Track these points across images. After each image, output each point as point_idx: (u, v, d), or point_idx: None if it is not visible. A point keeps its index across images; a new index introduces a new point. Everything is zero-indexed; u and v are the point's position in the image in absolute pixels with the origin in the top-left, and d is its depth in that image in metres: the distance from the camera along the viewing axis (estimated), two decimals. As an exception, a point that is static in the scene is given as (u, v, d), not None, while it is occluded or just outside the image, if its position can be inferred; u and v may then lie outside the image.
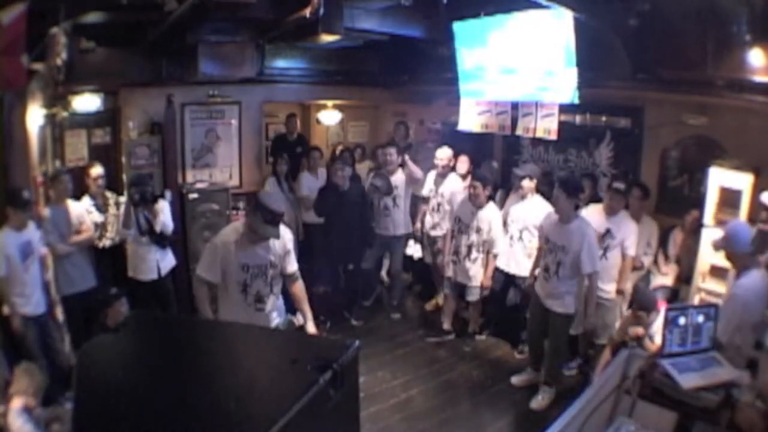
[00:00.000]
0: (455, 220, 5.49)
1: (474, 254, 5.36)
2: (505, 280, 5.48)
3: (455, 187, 5.99)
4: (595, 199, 5.34)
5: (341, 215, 5.71)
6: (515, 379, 5.00)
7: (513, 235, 5.31)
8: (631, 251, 4.62)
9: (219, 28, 5.46)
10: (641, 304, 3.92)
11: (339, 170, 5.87)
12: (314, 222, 6.30)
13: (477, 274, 5.42)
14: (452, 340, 5.77)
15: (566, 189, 4.37)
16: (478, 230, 5.30)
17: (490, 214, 5.29)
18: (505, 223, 5.39)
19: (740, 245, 3.35)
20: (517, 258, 5.32)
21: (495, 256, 5.33)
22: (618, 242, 4.60)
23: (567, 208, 4.37)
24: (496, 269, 5.44)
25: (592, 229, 4.43)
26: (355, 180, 6.54)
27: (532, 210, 5.16)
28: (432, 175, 6.21)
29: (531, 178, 5.24)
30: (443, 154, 6.05)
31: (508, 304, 5.56)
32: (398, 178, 6.09)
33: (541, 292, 4.64)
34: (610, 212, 4.66)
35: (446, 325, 5.87)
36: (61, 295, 4.67)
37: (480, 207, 5.28)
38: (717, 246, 3.52)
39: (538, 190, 5.28)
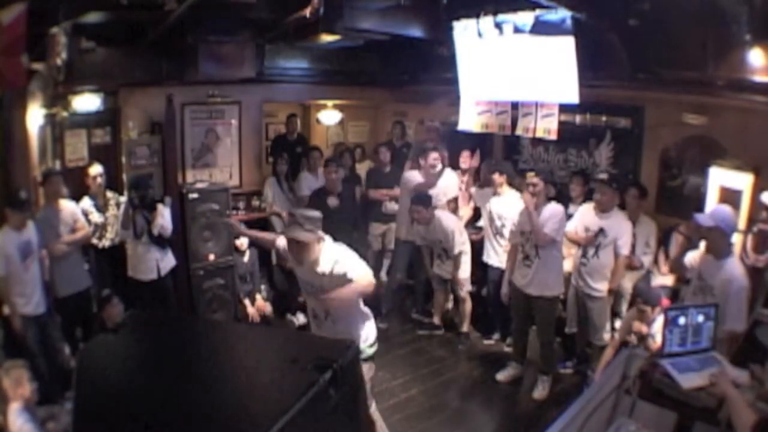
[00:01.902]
0: (421, 239, 5.65)
1: (447, 260, 5.54)
2: (498, 276, 5.47)
3: (448, 181, 5.99)
4: (592, 197, 5.35)
5: (332, 221, 5.60)
6: (500, 376, 5.04)
7: (496, 230, 5.36)
8: (625, 250, 4.57)
9: (219, 28, 5.44)
10: (645, 298, 3.92)
11: (332, 172, 5.73)
12: None
13: (465, 262, 5.51)
14: (444, 335, 5.85)
15: (544, 178, 4.76)
16: (440, 241, 5.44)
17: (438, 226, 5.36)
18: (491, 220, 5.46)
19: (730, 226, 3.42)
20: (500, 252, 5.38)
21: (460, 254, 5.40)
22: (610, 241, 4.57)
23: (544, 194, 4.66)
24: (487, 266, 5.53)
25: (558, 206, 4.64)
26: (352, 181, 6.52)
27: (508, 204, 5.20)
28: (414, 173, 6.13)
29: (501, 172, 5.31)
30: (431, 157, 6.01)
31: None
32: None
33: (522, 282, 4.73)
34: (601, 208, 4.63)
35: (436, 320, 6.00)
36: (59, 295, 4.65)
37: (428, 224, 5.36)
38: (706, 225, 3.43)
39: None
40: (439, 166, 5.89)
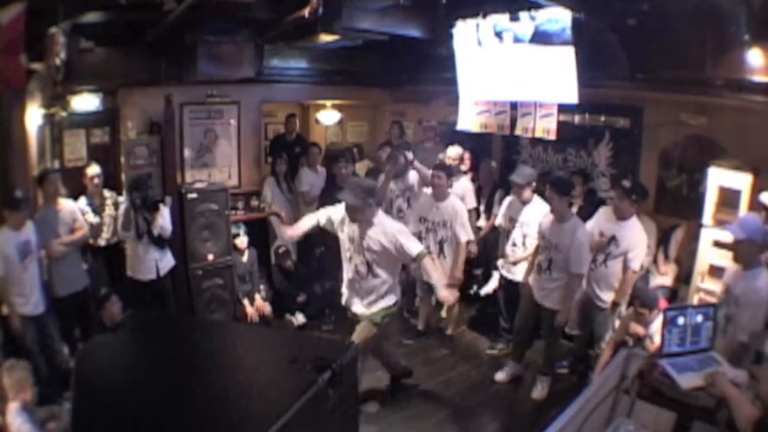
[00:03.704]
0: (420, 220, 5.30)
1: (447, 250, 5.24)
2: (508, 288, 5.32)
3: (466, 185, 5.87)
4: (591, 197, 5.34)
5: None
6: (499, 375, 5.01)
7: (515, 241, 5.10)
8: (635, 264, 4.39)
9: (218, 28, 5.45)
10: (643, 300, 3.91)
11: (342, 168, 6.01)
12: None
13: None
14: (439, 337, 5.75)
15: (558, 189, 4.43)
16: (445, 224, 5.17)
17: (452, 204, 5.18)
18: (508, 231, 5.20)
19: (758, 235, 3.29)
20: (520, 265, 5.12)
21: (467, 244, 5.24)
22: (621, 252, 4.41)
23: (561, 207, 4.44)
24: (501, 277, 5.38)
25: (585, 231, 4.43)
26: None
27: (534, 214, 4.91)
28: None
29: (530, 184, 4.99)
30: (453, 152, 5.89)
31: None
32: (411, 178, 5.90)
33: (533, 285, 4.69)
34: (619, 215, 4.46)
35: (420, 326, 5.80)
36: (58, 295, 4.64)
37: (442, 200, 5.19)
38: (738, 237, 3.32)
39: (537, 191, 5.08)
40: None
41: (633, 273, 4.45)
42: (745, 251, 3.32)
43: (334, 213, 4.17)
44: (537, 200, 4.95)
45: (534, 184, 4.98)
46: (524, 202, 5.00)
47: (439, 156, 6.02)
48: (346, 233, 4.10)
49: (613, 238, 4.45)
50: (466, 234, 5.18)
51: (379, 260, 3.98)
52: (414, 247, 3.94)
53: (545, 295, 4.57)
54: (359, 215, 3.95)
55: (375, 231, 3.95)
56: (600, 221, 4.61)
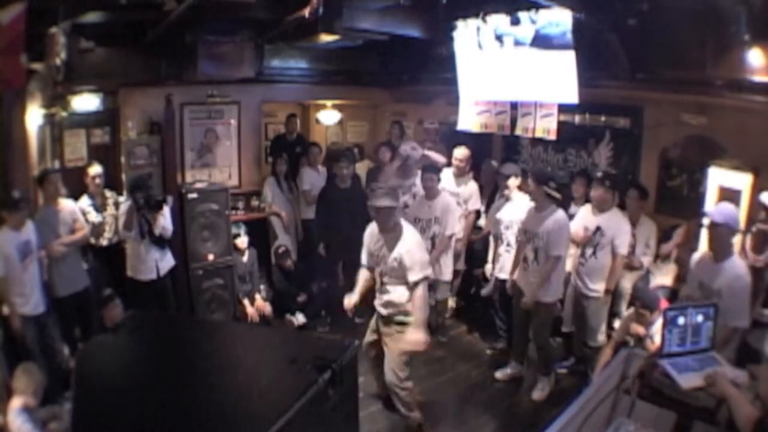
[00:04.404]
0: (414, 221, 5.27)
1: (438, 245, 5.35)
2: (502, 288, 5.30)
3: (473, 188, 5.87)
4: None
5: (342, 212, 5.73)
6: (499, 374, 5.04)
7: (509, 241, 5.09)
8: (622, 250, 4.52)
9: (218, 28, 5.46)
10: (644, 302, 3.92)
11: (344, 168, 6.04)
12: (314, 218, 6.28)
13: (446, 265, 5.44)
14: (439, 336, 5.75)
15: (536, 178, 4.61)
16: (437, 220, 5.32)
17: (443, 200, 5.34)
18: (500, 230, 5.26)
19: (736, 224, 3.43)
20: (505, 263, 5.15)
21: (450, 237, 5.35)
22: (608, 240, 4.54)
23: (539, 195, 4.55)
24: (495, 278, 5.40)
25: (564, 217, 4.57)
26: (355, 179, 6.56)
27: (518, 212, 4.98)
28: (448, 173, 5.97)
29: (516, 176, 5.20)
30: (460, 153, 5.84)
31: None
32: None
33: (522, 282, 4.73)
34: (600, 207, 4.64)
35: None
36: (58, 295, 4.64)
37: (433, 198, 5.35)
38: (716, 220, 3.39)
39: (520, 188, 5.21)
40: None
41: (621, 258, 4.57)
42: (721, 238, 3.41)
43: (367, 241, 4.13)
44: (521, 197, 5.08)
45: (519, 177, 5.16)
46: (507, 198, 5.17)
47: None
48: (374, 249, 4.10)
49: (597, 229, 4.59)
50: (451, 228, 5.32)
51: (393, 274, 3.92)
52: (416, 273, 3.82)
53: (540, 291, 4.59)
54: (393, 220, 3.90)
55: (400, 243, 3.88)
56: (583, 218, 4.76)
